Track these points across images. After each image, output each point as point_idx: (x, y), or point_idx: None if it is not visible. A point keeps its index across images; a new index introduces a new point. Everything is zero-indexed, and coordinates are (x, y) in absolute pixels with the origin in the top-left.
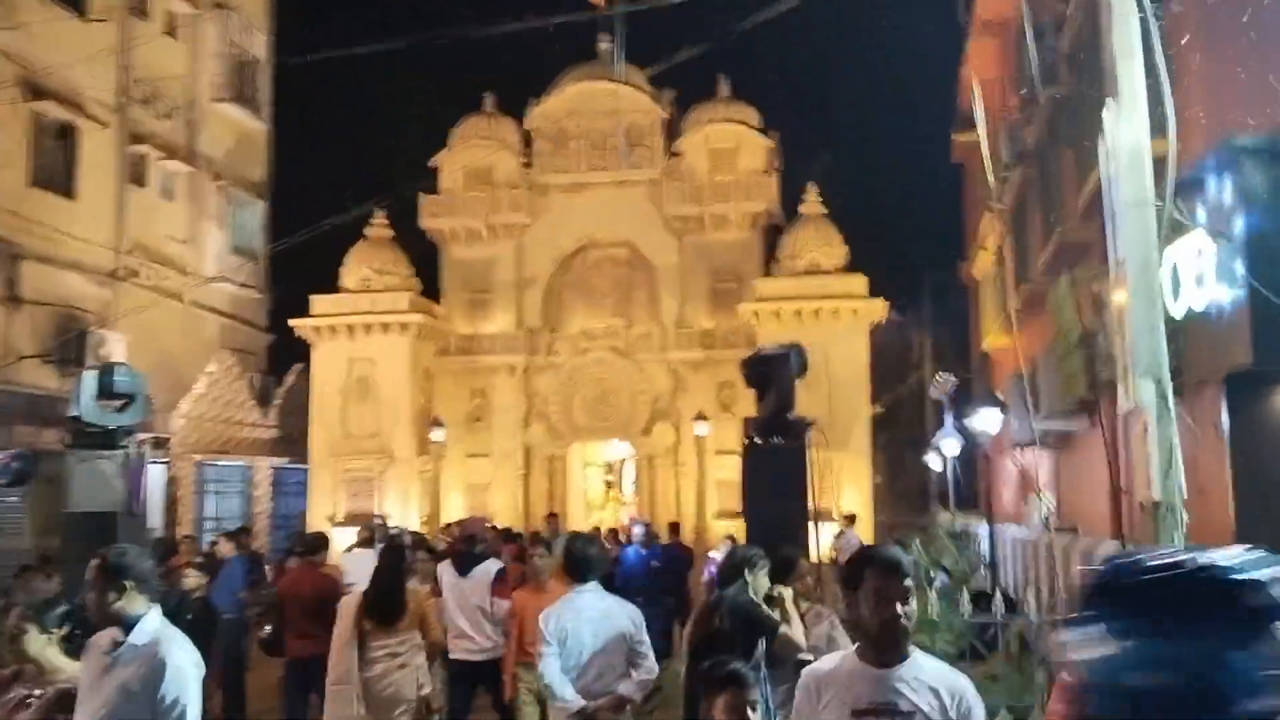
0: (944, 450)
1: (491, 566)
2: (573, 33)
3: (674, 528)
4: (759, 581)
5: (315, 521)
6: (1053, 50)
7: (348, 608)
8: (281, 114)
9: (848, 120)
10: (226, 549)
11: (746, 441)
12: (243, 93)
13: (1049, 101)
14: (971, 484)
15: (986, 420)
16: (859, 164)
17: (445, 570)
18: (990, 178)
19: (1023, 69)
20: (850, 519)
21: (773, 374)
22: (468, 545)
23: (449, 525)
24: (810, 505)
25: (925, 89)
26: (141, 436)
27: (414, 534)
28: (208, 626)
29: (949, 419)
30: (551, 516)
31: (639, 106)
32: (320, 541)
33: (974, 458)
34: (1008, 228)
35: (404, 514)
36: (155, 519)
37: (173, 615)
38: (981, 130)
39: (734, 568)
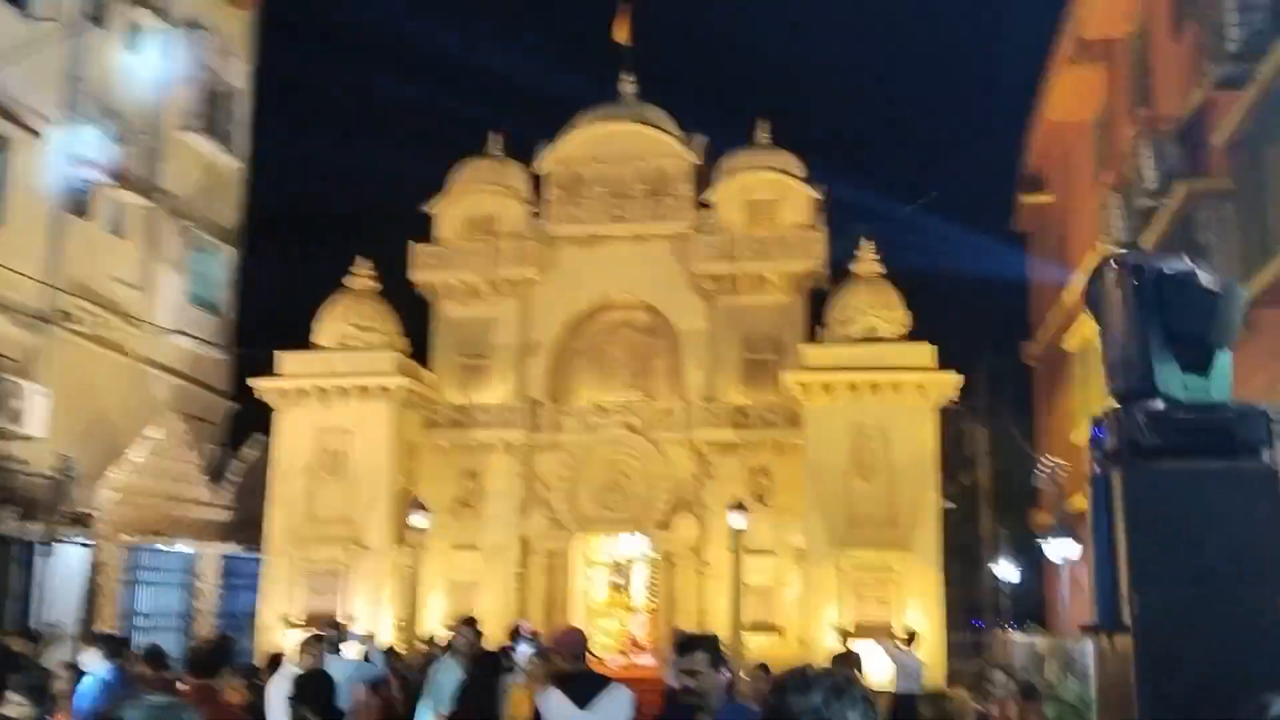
0: (1054, 553)
1: (623, 696)
2: (592, 71)
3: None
4: None
5: (268, 622)
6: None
7: None
8: (259, 152)
9: (892, 181)
10: (91, 660)
11: (1098, 462)
12: (215, 124)
13: None
14: (1037, 595)
15: None
16: (901, 233)
17: (553, 701)
18: (1115, 218)
19: (1206, 50)
20: (910, 637)
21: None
22: (576, 662)
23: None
24: None
25: (975, 158)
26: None
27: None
28: None
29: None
30: (433, 643)
31: (665, 151)
32: (220, 654)
33: (1043, 567)
34: None
35: (374, 616)
36: (69, 614)
37: None
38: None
39: None
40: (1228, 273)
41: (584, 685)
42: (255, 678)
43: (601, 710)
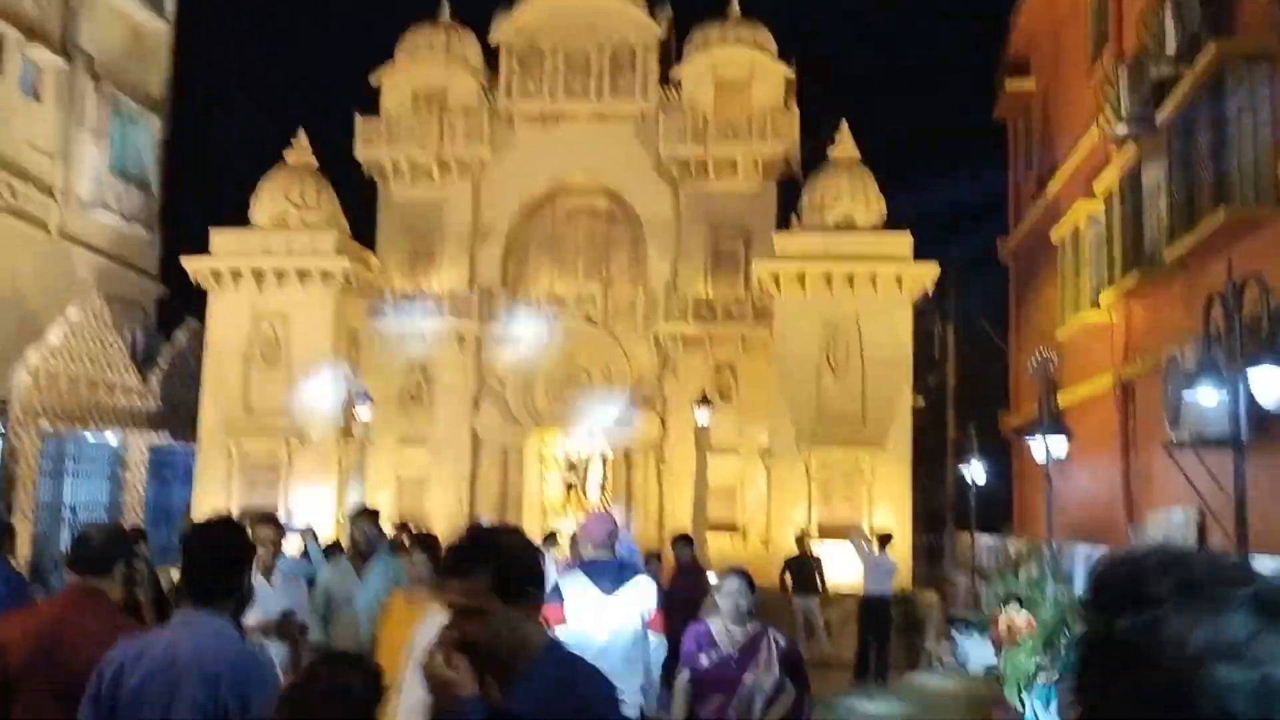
0: (1041, 451)
1: (646, 583)
2: None
3: (684, 542)
4: None
5: (202, 517)
6: None
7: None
8: (189, 13)
9: (866, 62)
10: None
11: None
12: None
13: None
14: (1003, 498)
15: (1270, 383)
16: (865, 118)
17: (577, 584)
18: (1122, 93)
19: None
20: (885, 539)
21: None
22: (607, 550)
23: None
24: None
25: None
26: None
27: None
28: None
29: (1045, 408)
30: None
31: (630, 22)
32: (115, 547)
33: (1008, 468)
34: (1165, 151)
35: (316, 512)
36: None
37: None
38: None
39: None
40: (1257, 148)
41: (611, 572)
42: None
43: (628, 597)
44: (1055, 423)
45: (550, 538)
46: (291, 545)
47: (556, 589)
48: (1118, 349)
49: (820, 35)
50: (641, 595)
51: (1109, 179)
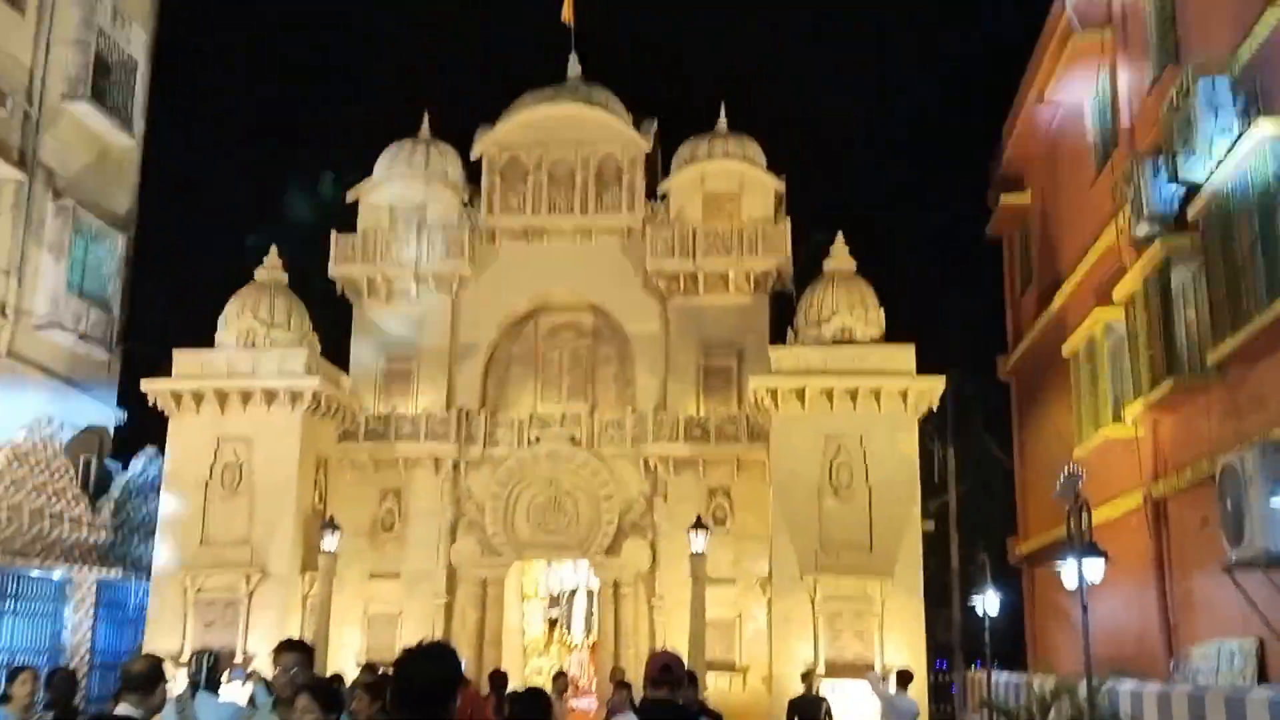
0: (1073, 577)
1: None
2: (538, 52)
3: (689, 682)
4: None
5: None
6: None
7: None
8: (158, 131)
9: (857, 177)
10: None
11: None
12: (107, 96)
13: None
14: (1016, 631)
15: None
16: (857, 231)
17: None
18: (1139, 193)
19: None
20: (905, 677)
21: None
22: (666, 689)
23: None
24: None
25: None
26: None
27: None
28: None
29: (1074, 532)
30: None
31: (614, 137)
32: None
33: (1019, 599)
34: (1199, 248)
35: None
36: None
37: None
38: None
39: None
40: None
41: (666, 717)
42: None
43: None
44: (1090, 545)
45: (560, 677)
46: (239, 692)
47: None
48: (1146, 465)
49: (812, 147)
50: None
51: (1131, 283)
